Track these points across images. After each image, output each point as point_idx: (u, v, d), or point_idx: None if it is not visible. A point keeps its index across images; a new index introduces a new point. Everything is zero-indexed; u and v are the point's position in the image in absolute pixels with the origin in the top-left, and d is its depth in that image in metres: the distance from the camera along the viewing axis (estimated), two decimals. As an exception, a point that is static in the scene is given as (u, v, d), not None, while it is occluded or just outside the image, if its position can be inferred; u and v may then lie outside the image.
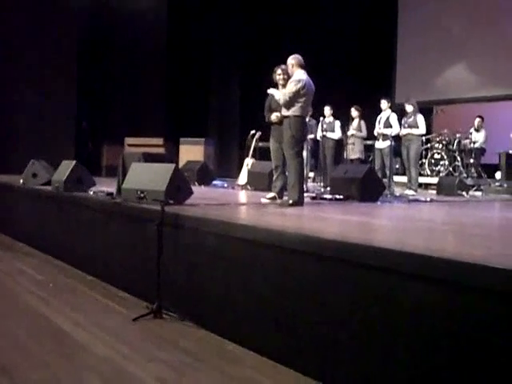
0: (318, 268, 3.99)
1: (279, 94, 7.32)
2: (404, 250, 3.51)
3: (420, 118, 11.33)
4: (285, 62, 7.53)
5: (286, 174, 7.54)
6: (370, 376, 3.57)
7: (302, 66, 7.30)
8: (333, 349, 3.82)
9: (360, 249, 3.74)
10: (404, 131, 11.40)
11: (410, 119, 11.33)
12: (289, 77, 7.43)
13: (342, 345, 3.76)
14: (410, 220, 6.64)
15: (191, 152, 14.45)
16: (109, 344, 4.56)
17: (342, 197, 8.48)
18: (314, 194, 8.95)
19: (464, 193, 11.00)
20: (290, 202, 7.07)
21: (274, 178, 7.80)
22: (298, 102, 7.08)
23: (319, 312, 3.93)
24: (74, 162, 8.68)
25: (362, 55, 16.83)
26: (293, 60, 7.30)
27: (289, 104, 7.12)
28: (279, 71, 7.79)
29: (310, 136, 11.79)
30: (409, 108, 11.44)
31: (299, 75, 7.19)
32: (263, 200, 7.54)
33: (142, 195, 6.41)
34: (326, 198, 8.59)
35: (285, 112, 7.22)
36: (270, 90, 7.65)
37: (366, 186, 8.42)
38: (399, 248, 3.58)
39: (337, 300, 3.83)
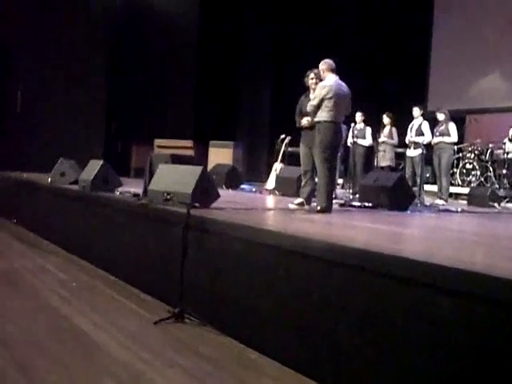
0: (344, 277, 3.88)
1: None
2: (432, 262, 3.40)
3: (452, 126, 11.16)
4: (316, 66, 7.45)
5: (316, 179, 7.42)
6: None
7: (332, 71, 7.21)
8: (356, 360, 3.71)
9: (386, 259, 3.64)
10: (436, 139, 11.24)
11: (442, 127, 11.17)
12: (321, 81, 7.34)
13: (365, 356, 3.65)
14: (440, 230, 6.49)
15: (220, 155, 14.42)
16: (128, 347, 4.48)
17: (371, 205, 8.34)
18: (342, 201, 8.83)
19: (496, 204, 10.81)
20: (318, 208, 6.97)
21: (303, 183, 7.68)
22: (326, 107, 6.99)
23: (343, 322, 3.82)
24: (101, 161, 8.65)
25: (396, 61, 16.65)
26: (323, 65, 7.23)
27: (316, 110, 7.04)
28: (312, 75, 7.71)
29: (340, 142, 11.66)
30: (440, 116, 11.28)
31: (327, 80, 7.11)
32: (291, 205, 7.43)
33: (168, 197, 6.34)
34: (354, 206, 8.48)
35: (316, 118, 7.13)
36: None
37: (396, 194, 8.28)
38: (427, 259, 3.48)
39: (362, 310, 3.72)
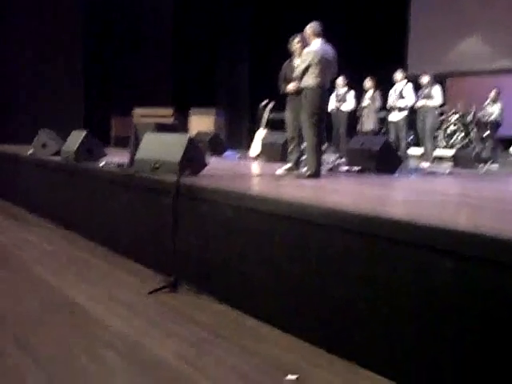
0: (339, 241, 3.86)
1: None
2: (427, 224, 3.41)
3: (436, 89, 11.13)
4: (295, 30, 7.38)
5: (302, 145, 7.37)
6: (395, 349, 3.46)
7: (318, 35, 7.11)
8: (355, 323, 3.71)
9: (380, 222, 3.64)
10: (420, 103, 11.21)
11: (426, 90, 11.13)
12: (306, 45, 7.25)
13: (364, 319, 3.66)
14: (433, 193, 6.48)
15: (202, 122, 14.28)
16: (125, 318, 4.43)
17: (358, 168, 8.31)
18: (330, 166, 8.77)
19: (481, 165, 10.82)
20: (308, 173, 6.92)
21: (290, 149, 7.63)
22: (312, 73, 6.91)
23: (341, 286, 3.81)
24: (84, 132, 8.52)
25: (376, 26, 16.53)
26: (309, 29, 7.13)
27: (302, 76, 6.96)
28: (297, 39, 7.60)
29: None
30: (425, 79, 11.23)
31: (313, 46, 7.02)
32: (279, 171, 7.38)
33: (156, 166, 6.25)
34: (342, 170, 8.42)
35: (302, 84, 7.04)
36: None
37: (383, 158, 8.24)
38: (427, 223, 3.45)
39: (360, 273, 3.70)
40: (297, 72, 7.05)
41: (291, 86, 7.50)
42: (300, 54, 7.41)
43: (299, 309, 4.13)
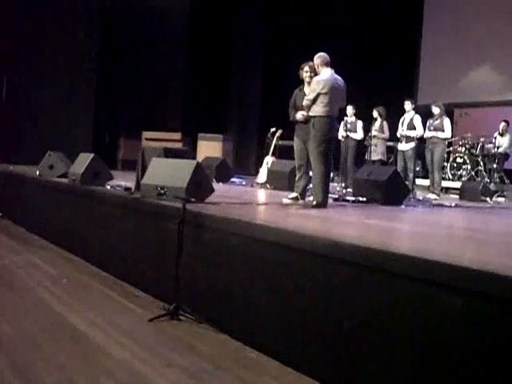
0: (345, 273, 3.82)
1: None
2: (430, 258, 3.39)
3: (446, 122, 11.08)
4: (306, 59, 7.38)
5: (310, 174, 7.33)
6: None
7: (327, 65, 7.12)
8: (359, 359, 3.65)
9: (385, 256, 3.60)
10: (429, 134, 11.16)
11: (436, 122, 11.07)
12: (316, 75, 7.26)
13: (367, 354, 3.60)
14: (437, 226, 6.43)
15: (209, 148, 14.30)
16: (125, 346, 4.39)
17: (365, 199, 8.26)
18: (336, 196, 8.72)
19: (488, 199, 10.76)
20: (314, 203, 6.89)
21: (297, 177, 7.58)
22: (321, 102, 6.91)
23: (346, 319, 3.75)
24: (92, 154, 8.52)
25: (386, 55, 16.56)
26: (318, 59, 7.15)
27: (311, 104, 6.96)
28: (306, 68, 7.58)
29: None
30: (435, 110, 11.18)
31: (323, 75, 7.03)
32: (285, 200, 7.33)
33: (162, 191, 6.23)
34: (348, 200, 8.38)
35: (311, 112, 7.04)
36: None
37: (390, 188, 8.22)
38: (427, 256, 3.44)
39: (365, 307, 3.65)
40: (306, 100, 7.05)
41: (300, 115, 7.47)
42: (309, 83, 7.41)
43: (303, 342, 4.07)
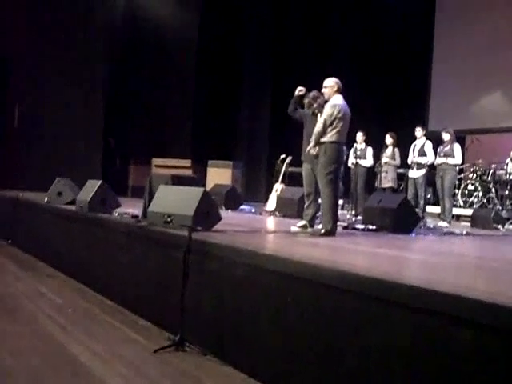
0: (353, 305, 3.73)
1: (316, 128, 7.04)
2: (440, 290, 3.30)
3: (457, 148, 10.99)
4: (315, 87, 7.30)
5: (319, 201, 7.25)
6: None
7: (339, 91, 7.06)
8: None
9: (394, 287, 3.52)
10: (439, 160, 11.07)
11: (447, 148, 10.98)
12: (318, 104, 7.22)
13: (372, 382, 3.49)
14: (447, 255, 6.33)
15: (219, 175, 14.28)
16: (127, 378, 4.30)
17: (374, 227, 8.16)
18: (345, 224, 8.63)
19: (500, 226, 10.63)
20: (323, 231, 6.80)
21: (306, 205, 7.50)
22: (335, 128, 6.82)
23: (355, 351, 3.65)
24: (99, 181, 8.48)
25: (396, 81, 16.53)
26: (335, 85, 7.04)
27: (324, 130, 6.85)
28: (306, 100, 7.57)
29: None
30: (446, 136, 11.09)
31: (336, 100, 6.95)
32: (293, 228, 7.25)
33: (168, 219, 6.16)
34: (358, 228, 8.28)
35: (320, 138, 6.94)
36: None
37: (401, 216, 8.11)
38: (436, 287, 3.35)
39: (374, 339, 3.56)
40: (320, 126, 6.91)
41: (312, 150, 7.26)
42: (313, 113, 7.39)
43: (310, 374, 3.96)
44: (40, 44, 15.42)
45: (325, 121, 6.87)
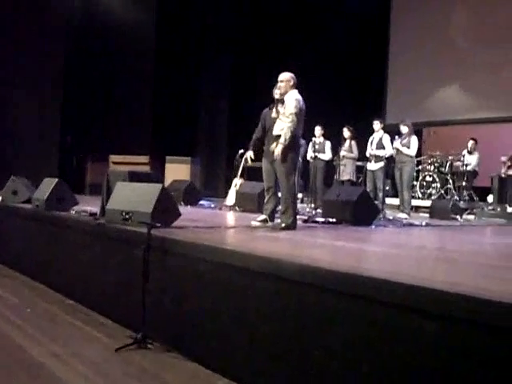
0: (315, 298, 3.71)
1: (284, 127, 6.94)
2: (403, 282, 3.31)
3: (413, 139, 11.06)
4: (273, 80, 7.24)
5: (279, 195, 7.22)
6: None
7: (295, 85, 7.04)
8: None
9: (355, 280, 3.52)
10: (394, 151, 11.10)
11: (404, 140, 11.04)
12: (281, 94, 7.16)
13: (340, 380, 3.50)
14: (408, 246, 6.37)
15: (177, 171, 14.19)
16: (89, 378, 4.23)
17: (334, 220, 8.18)
18: (305, 217, 8.63)
19: (458, 216, 10.74)
20: (283, 225, 6.78)
21: (266, 199, 7.46)
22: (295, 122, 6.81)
23: (318, 346, 3.64)
24: (56, 179, 8.35)
25: (353, 75, 16.60)
26: (292, 80, 7.01)
27: (298, 123, 6.83)
28: (278, 85, 7.47)
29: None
30: (403, 129, 11.15)
31: (295, 94, 6.93)
32: (254, 223, 7.21)
33: (127, 216, 6.08)
34: (318, 222, 8.28)
35: (277, 131, 6.91)
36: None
37: (360, 209, 8.14)
38: (398, 279, 3.37)
39: (337, 333, 3.55)
40: (293, 121, 6.82)
41: (277, 149, 7.12)
42: (278, 102, 7.30)
43: (273, 370, 3.94)
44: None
45: (295, 115, 6.81)
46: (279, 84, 7.10)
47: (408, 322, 3.16)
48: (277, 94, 7.36)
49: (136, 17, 17.62)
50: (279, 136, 6.88)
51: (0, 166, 13.46)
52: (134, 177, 7.24)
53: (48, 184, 8.30)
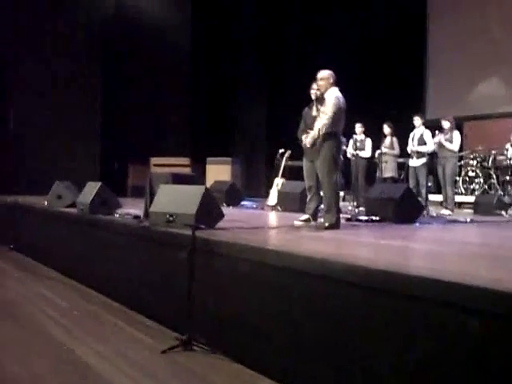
0: (360, 297, 3.68)
1: (320, 123, 6.93)
2: (451, 280, 3.24)
3: (456, 135, 10.92)
4: (311, 78, 7.21)
5: (321, 194, 7.18)
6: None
7: (335, 83, 6.99)
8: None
9: (400, 278, 3.48)
10: (436, 146, 10.97)
11: (447, 136, 10.91)
12: (321, 93, 7.12)
13: (386, 379, 3.46)
14: (455, 244, 6.30)
15: (218, 172, 14.22)
16: (136, 379, 4.26)
17: (377, 218, 8.11)
18: (348, 216, 8.57)
19: (503, 212, 10.57)
20: (327, 224, 6.74)
21: (308, 198, 7.42)
22: (337, 120, 6.77)
23: (364, 346, 3.61)
24: (99, 183, 8.43)
25: (393, 70, 16.44)
26: (331, 78, 6.97)
27: (333, 122, 6.79)
28: (314, 86, 7.41)
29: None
30: (445, 124, 11.01)
31: (335, 92, 6.88)
32: (297, 223, 7.18)
33: (171, 219, 6.11)
34: (361, 220, 8.21)
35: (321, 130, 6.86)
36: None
37: (404, 206, 8.06)
38: (445, 278, 3.31)
39: (384, 333, 3.51)
40: (326, 120, 6.84)
41: (310, 139, 7.20)
42: (317, 101, 7.26)
43: (318, 370, 3.91)
44: (35, 48, 15.45)
45: (334, 113, 6.77)
46: (319, 82, 7.06)
47: (452, 320, 3.12)
48: (313, 93, 7.33)
49: (172, 21, 17.77)
50: None
51: (43, 171, 13.65)
52: (177, 179, 7.28)
53: (91, 188, 8.39)
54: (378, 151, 12.05)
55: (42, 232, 9.66)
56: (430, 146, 11.01)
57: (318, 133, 6.82)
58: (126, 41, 17.26)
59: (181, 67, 18.38)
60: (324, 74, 7.02)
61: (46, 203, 9.79)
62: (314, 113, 7.19)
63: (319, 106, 7.09)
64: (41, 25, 15.60)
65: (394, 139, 12.16)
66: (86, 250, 7.84)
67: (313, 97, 7.36)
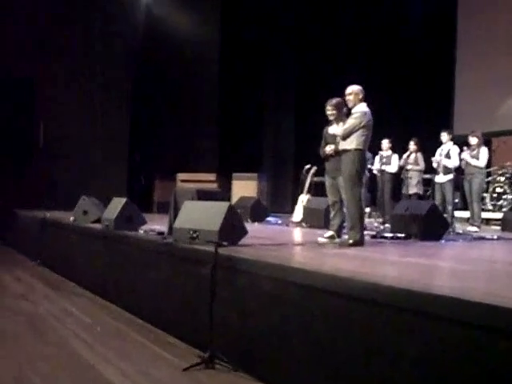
0: (385, 317, 3.64)
1: (338, 129, 6.97)
2: (478, 301, 3.20)
3: (483, 150, 10.81)
4: (339, 95, 7.21)
5: (344, 210, 7.15)
6: None
7: (363, 99, 6.97)
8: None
9: (434, 300, 3.41)
10: (463, 162, 10.87)
11: (474, 152, 10.80)
12: (339, 111, 7.14)
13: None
14: (482, 262, 6.23)
15: (244, 187, 14.21)
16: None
17: (403, 235, 8.04)
18: (373, 233, 8.51)
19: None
20: (351, 241, 6.70)
21: (332, 215, 7.41)
22: (362, 135, 6.74)
23: (387, 365, 3.57)
24: (124, 199, 8.48)
25: (420, 86, 16.36)
26: (359, 93, 6.95)
27: (349, 136, 6.76)
28: (328, 107, 7.43)
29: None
30: (473, 140, 10.89)
31: (363, 107, 6.86)
32: (321, 239, 7.16)
33: (194, 235, 6.11)
34: (386, 237, 8.15)
35: (345, 145, 6.83)
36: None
37: (429, 223, 7.99)
38: (472, 298, 3.26)
39: (406, 351, 3.47)
40: (343, 132, 6.84)
41: (329, 148, 7.25)
42: (336, 120, 7.30)
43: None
44: (64, 63, 15.63)
45: (354, 126, 6.76)
46: (347, 97, 7.04)
47: (479, 340, 3.07)
48: (329, 114, 7.39)
49: (200, 37, 17.82)
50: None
51: (71, 186, 13.77)
52: (202, 195, 7.28)
53: (117, 204, 8.43)
54: (399, 163, 11.93)
55: (68, 248, 9.72)
56: (455, 161, 10.88)
57: (342, 133, 6.84)
58: (155, 56, 17.37)
59: (209, 82, 18.45)
60: (353, 88, 7.00)
61: (72, 219, 9.86)
62: (330, 131, 7.24)
63: (342, 122, 7.12)
64: (70, 41, 15.77)
65: (419, 155, 12.04)
66: (111, 266, 7.87)
67: (329, 118, 7.41)
